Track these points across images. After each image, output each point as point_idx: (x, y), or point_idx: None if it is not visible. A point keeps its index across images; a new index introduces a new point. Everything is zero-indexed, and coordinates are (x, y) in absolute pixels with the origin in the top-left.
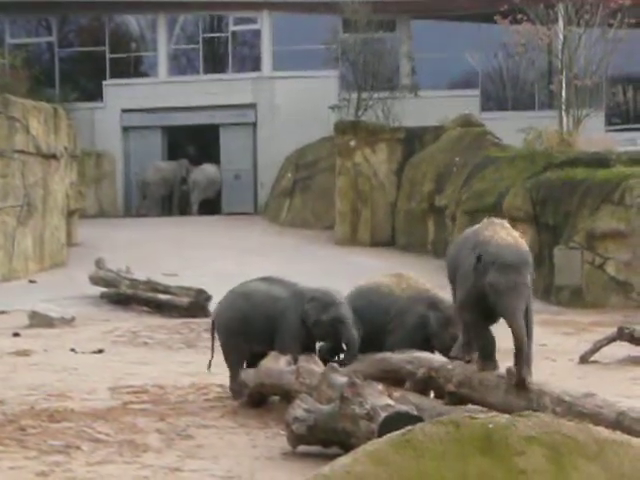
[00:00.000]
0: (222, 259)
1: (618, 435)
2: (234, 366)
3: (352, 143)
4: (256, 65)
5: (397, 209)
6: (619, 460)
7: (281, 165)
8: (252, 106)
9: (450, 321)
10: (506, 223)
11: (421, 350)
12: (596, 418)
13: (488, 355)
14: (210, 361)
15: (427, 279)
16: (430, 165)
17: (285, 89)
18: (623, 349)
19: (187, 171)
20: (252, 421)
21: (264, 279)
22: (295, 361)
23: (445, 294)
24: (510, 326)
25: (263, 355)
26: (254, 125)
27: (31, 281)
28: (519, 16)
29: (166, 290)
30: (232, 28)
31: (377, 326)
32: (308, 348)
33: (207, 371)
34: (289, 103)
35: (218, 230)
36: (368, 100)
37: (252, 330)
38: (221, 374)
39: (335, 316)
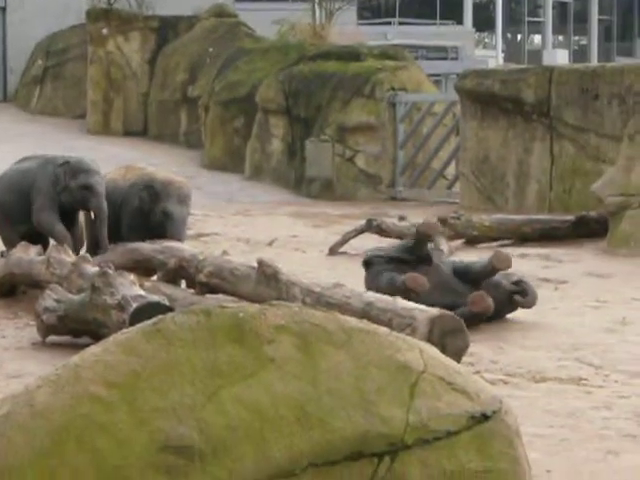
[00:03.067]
0: None
1: (365, 324)
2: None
3: (104, 31)
4: None
5: (150, 99)
6: (366, 348)
7: (31, 52)
8: None
9: (160, 196)
10: None
11: (153, 233)
12: (344, 308)
13: None
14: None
15: (179, 169)
16: (183, 55)
17: None
18: (371, 241)
19: None
20: (1, 311)
21: (22, 159)
22: (52, 231)
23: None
24: None
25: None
26: (3, 9)
27: None
28: None
29: None
30: None
31: (115, 221)
32: (66, 216)
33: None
34: None
35: None
36: None
37: (12, 211)
38: None
39: (84, 183)
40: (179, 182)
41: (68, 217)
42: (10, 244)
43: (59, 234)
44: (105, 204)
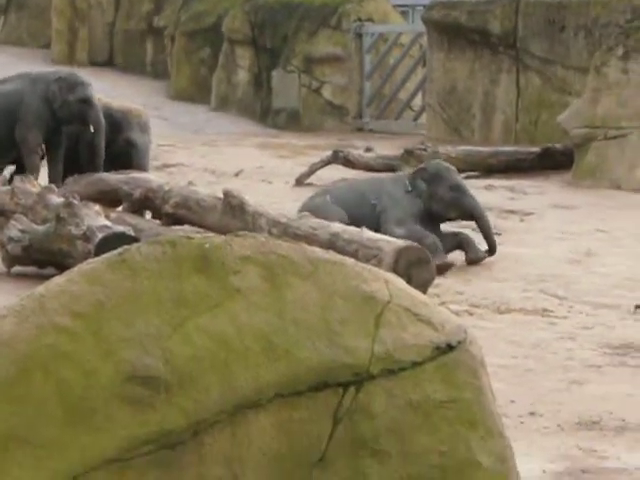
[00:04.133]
0: None
1: (331, 255)
2: None
3: None
4: None
5: (115, 29)
6: (332, 279)
7: None
8: None
9: (121, 126)
10: None
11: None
12: (310, 239)
13: None
14: None
15: (144, 99)
16: None
17: None
18: (337, 172)
19: None
20: None
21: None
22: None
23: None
24: None
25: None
26: None
27: None
28: None
29: None
30: None
31: (74, 152)
32: (52, 136)
33: None
34: None
35: None
36: None
37: None
38: None
39: (82, 96)
40: (137, 110)
41: (55, 138)
42: None
43: (33, 162)
44: (102, 116)
